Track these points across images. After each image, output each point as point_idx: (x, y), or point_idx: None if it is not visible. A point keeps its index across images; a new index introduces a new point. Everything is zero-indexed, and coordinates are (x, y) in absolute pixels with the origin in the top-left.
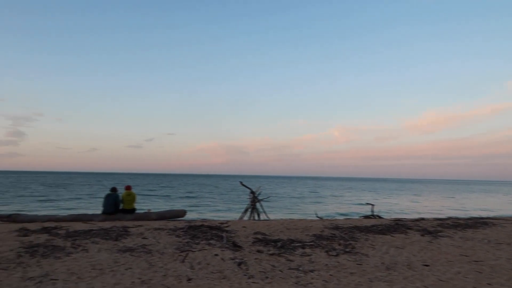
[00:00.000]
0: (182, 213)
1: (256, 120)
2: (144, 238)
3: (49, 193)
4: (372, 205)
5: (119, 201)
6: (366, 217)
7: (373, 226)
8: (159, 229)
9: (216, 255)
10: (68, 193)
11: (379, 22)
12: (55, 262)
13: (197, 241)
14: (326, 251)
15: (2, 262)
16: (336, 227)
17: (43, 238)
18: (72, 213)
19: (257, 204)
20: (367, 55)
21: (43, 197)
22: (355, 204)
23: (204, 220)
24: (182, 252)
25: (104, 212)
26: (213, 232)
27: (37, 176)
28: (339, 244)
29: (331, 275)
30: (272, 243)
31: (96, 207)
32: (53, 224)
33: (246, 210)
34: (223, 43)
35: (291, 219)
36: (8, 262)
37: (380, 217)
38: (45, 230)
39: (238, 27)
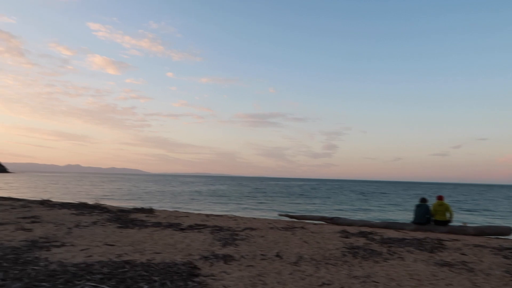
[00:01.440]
0: (507, 230)
1: None
2: (462, 254)
3: (359, 200)
4: None
5: (430, 212)
6: None
7: None
8: (479, 246)
9: None
10: (376, 200)
11: None
12: (374, 266)
13: None
14: None
15: (331, 259)
16: None
17: (361, 241)
18: (383, 220)
19: None
20: None
21: (355, 203)
22: None
23: None
24: None
25: (415, 222)
26: None
27: (348, 183)
28: None
29: None
30: None
31: (403, 216)
32: (368, 229)
33: None
34: None
35: None
36: (336, 259)
37: None
38: (362, 234)
39: None
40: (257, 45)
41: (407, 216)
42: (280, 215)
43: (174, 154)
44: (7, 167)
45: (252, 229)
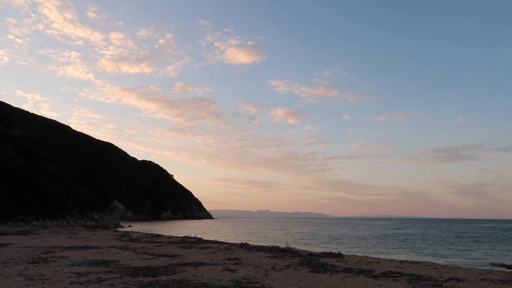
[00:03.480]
0: None
1: None
2: None
3: None
4: None
5: None
6: None
7: None
8: None
9: None
10: None
11: None
12: None
13: None
14: None
15: None
16: None
17: None
18: None
19: None
20: None
21: None
22: None
23: None
24: None
25: None
26: None
27: None
28: None
29: None
30: None
31: None
32: None
33: None
34: None
35: None
36: None
37: None
38: None
39: None
40: (437, 71)
41: None
42: (493, 264)
43: (356, 196)
44: (212, 214)
45: (458, 279)
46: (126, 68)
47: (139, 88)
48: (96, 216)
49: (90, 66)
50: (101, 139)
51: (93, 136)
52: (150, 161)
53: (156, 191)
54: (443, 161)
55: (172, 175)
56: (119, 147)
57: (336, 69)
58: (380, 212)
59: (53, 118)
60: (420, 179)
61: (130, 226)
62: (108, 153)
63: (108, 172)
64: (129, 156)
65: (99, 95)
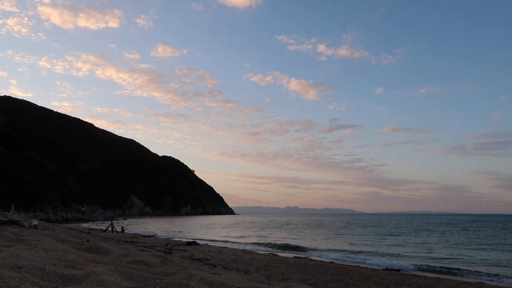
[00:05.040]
0: None
1: None
2: None
3: None
4: None
5: None
6: None
7: None
8: None
9: None
10: None
11: None
12: None
13: None
14: None
15: None
16: None
17: None
18: None
19: None
20: None
21: None
22: None
23: None
24: None
25: None
26: None
27: None
28: None
29: None
30: None
31: None
32: None
33: None
34: None
35: None
36: None
37: None
38: None
39: None
40: (496, 29)
41: None
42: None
43: (388, 191)
44: (237, 210)
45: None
46: (82, 22)
47: (111, 55)
48: (83, 209)
49: (34, 19)
50: (89, 122)
51: (82, 120)
52: (171, 157)
53: (176, 187)
54: (492, 149)
55: (193, 171)
56: (109, 131)
57: (366, 11)
58: (413, 208)
59: (27, 99)
60: (462, 171)
61: (123, 219)
62: (130, 149)
63: (128, 169)
64: (151, 152)
65: (66, 65)
